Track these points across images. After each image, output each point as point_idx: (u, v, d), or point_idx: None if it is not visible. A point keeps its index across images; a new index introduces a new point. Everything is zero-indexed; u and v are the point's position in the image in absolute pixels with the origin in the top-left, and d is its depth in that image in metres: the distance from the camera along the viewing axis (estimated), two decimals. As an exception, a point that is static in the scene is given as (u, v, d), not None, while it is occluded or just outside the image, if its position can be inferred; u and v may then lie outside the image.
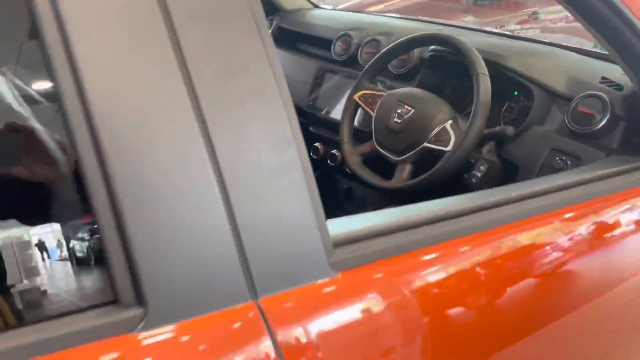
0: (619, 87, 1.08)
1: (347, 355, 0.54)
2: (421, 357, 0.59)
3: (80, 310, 0.44)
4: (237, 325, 0.48)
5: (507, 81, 1.21)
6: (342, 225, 0.60)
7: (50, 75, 0.43)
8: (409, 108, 1.18)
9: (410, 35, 1.27)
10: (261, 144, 0.50)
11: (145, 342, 0.44)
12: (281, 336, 0.49)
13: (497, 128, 1.15)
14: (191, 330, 0.46)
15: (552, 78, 1.16)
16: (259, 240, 0.50)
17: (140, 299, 0.44)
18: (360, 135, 1.35)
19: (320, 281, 0.54)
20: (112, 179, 0.43)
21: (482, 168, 1.14)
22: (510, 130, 1.13)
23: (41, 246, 0.79)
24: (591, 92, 1.08)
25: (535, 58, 1.24)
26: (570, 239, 0.76)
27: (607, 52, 1.12)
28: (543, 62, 1.22)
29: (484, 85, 1.08)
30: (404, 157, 1.19)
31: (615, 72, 1.11)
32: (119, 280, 0.44)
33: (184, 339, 0.46)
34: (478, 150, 1.15)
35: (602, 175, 0.87)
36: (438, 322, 0.61)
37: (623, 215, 0.86)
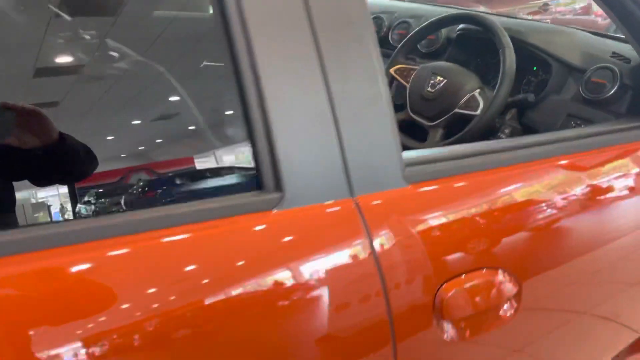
0: (627, 60, 1.24)
1: (414, 243, 0.70)
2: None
3: (237, 192, 0.61)
4: (339, 211, 0.65)
5: (527, 56, 1.37)
6: (411, 154, 0.76)
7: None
8: (441, 78, 1.34)
9: (443, 15, 1.43)
10: (359, 80, 0.67)
11: (281, 217, 0.61)
12: (370, 223, 0.66)
13: (520, 96, 1.31)
14: (312, 212, 0.63)
15: (569, 53, 1.32)
16: (356, 152, 0.66)
17: (278, 187, 0.61)
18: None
19: (396, 189, 0.70)
20: (268, 115, 0.60)
21: (506, 131, 1.30)
22: (531, 97, 1.30)
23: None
24: (603, 64, 1.24)
25: (553, 35, 1.40)
26: (591, 175, 0.92)
27: (614, 35, 1.29)
28: (560, 38, 1.38)
29: (510, 57, 1.24)
30: (437, 122, 1.35)
31: (624, 48, 1.27)
32: (265, 174, 0.61)
33: (308, 216, 0.62)
34: (502, 117, 1.31)
35: (613, 130, 1.04)
36: (482, 225, 0.77)
37: (631, 162, 1.02)
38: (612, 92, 1.21)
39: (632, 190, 0.99)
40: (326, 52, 0.64)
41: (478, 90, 1.31)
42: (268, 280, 0.57)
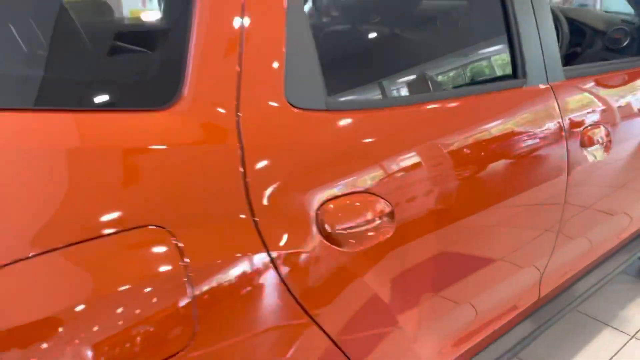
0: (633, 23, 2.08)
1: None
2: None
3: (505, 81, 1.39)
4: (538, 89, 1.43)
5: (571, 26, 2.20)
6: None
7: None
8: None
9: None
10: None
11: (524, 91, 1.37)
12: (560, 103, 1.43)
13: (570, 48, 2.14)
14: (535, 90, 1.40)
15: (595, 22, 2.16)
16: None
17: (524, 75, 1.37)
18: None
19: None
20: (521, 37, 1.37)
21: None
22: (578, 49, 2.12)
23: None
24: (618, 26, 2.08)
25: (583, 13, 2.23)
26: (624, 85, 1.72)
27: (615, 11, 2.14)
28: (586, 14, 2.22)
29: (566, 25, 2.07)
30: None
31: (627, 18, 2.11)
32: (519, 68, 1.37)
33: (536, 92, 1.40)
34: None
35: (626, 62, 1.86)
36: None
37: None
38: (625, 43, 2.04)
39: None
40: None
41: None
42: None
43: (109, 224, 0.68)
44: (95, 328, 0.65)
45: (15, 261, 0.62)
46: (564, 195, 1.44)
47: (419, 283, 1.11)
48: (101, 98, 0.87)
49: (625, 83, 1.69)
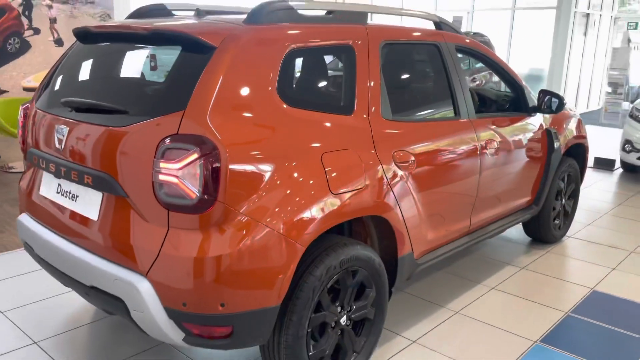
0: (510, 96, 3.89)
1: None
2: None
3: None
4: None
5: (478, 96, 3.99)
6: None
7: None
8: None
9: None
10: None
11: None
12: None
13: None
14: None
15: (492, 95, 3.97)
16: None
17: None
18: None
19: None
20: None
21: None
22: (484, 107, 3.91)
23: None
24: (503, 97, 3.88)
25: (487, 91, 4.05)
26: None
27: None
28: (488, 91, 4.04)
29: (476, 96, 3.86)
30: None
31: (508, 93, 3.93)
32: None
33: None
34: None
35: (508, 114, 3.65)
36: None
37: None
38: (507, 106, 3.83)
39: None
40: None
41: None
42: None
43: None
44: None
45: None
46: (478, 176, 3.12)
47: (426, 197, 2.71)
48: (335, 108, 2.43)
49: (506, 123, 3.47)
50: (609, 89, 7.43)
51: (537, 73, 12.80)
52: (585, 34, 13.16)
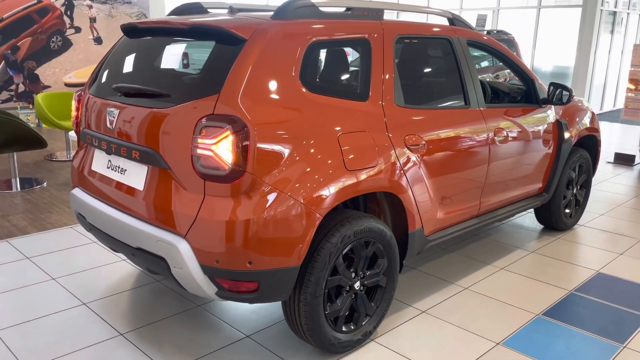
0: (522, 89, 4.10)
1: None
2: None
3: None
4: None
5: (491, 89, 4.21)
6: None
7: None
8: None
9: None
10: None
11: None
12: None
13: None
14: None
15: (505, 88, 4.19)
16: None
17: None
18: None
19: None
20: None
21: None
22: (497, 99, 4.12)
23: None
24: (515, 90, 4.09)
25: (500, 84, 4.27)
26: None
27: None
28: (502, 84, 4.26)
29: (489, 89, 4.08)
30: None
31: (520, 85, 4.14)
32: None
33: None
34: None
35: (519, 105, 3.87)
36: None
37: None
38: (518, 98, 4.04)
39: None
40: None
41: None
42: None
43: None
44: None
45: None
46: (487, 162, 3.35)
47: (436, 178, 2.97)
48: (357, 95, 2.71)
49: (516, 113, 3.68)
50: (631, 86, 7.50)
51: (563, 71, 12.83)
52: (612, 32, 13.12)
